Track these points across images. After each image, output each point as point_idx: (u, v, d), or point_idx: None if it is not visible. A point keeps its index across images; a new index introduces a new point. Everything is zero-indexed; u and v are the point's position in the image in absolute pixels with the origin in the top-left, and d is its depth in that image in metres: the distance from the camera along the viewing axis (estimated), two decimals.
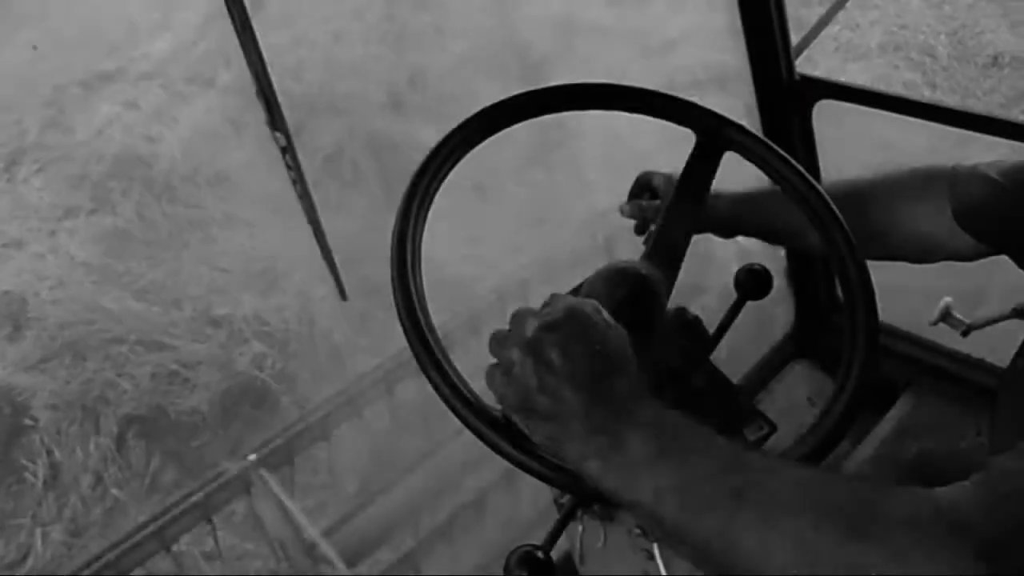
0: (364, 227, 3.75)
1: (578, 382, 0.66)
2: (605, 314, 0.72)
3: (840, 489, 0.58)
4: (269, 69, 1.76)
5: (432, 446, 2.44)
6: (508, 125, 0.94)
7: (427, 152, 0.88)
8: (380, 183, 4.08)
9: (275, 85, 1.88)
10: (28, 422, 3.38)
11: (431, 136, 0.90)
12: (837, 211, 0.94)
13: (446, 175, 0.88)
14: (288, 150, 1.90)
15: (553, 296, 0.74)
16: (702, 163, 0.99)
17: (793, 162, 0.97)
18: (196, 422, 3.27)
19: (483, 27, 4.79)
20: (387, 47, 4.90)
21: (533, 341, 0.68)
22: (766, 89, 1.81)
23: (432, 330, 0.78)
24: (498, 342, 0.72)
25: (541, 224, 3.75)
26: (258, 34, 1.67)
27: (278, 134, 1.85)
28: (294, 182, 2.02)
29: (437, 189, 0.87)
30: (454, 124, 0.91)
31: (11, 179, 4.65)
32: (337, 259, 2.66)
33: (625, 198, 1.20)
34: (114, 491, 3.13)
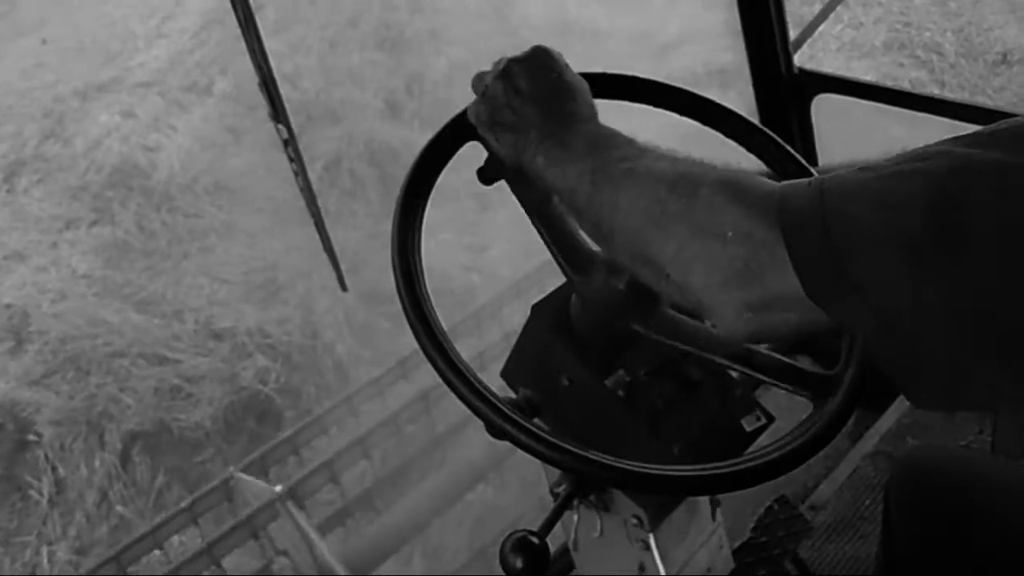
0: (365, 235, 3.74)
1: (537, 101, 0.82)
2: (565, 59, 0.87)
3: (703, 168, 0.70)
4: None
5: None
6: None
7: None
8: (379, 191, 4.07)
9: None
10: (32, 438, 3.38)
11: None
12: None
13: (448, 159, 0.90)
14: (290, 142, 1.91)
15: None
16: None
17: (785, 145, 0.96)
18: (200, 438, 3.26)
19: (479, 31, 4.76)
20: (384, 53, 4.88)
21: (505, 70, 0.84)
22: (764, 83, 1.81)
23: (433, 313, 0.81)
24: (479, 78, 0.87)
25: None
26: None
27: (280, 126, 1.86)
28: (296, 173, 2.02)
29: (439, 171, 0.89)
30: None
31: (11, 190, 4.64)
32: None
33: None
34: (119, 508, 3.13)
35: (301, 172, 2.06)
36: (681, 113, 0.98)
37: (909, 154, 0.61)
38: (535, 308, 0.98)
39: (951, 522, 1.09)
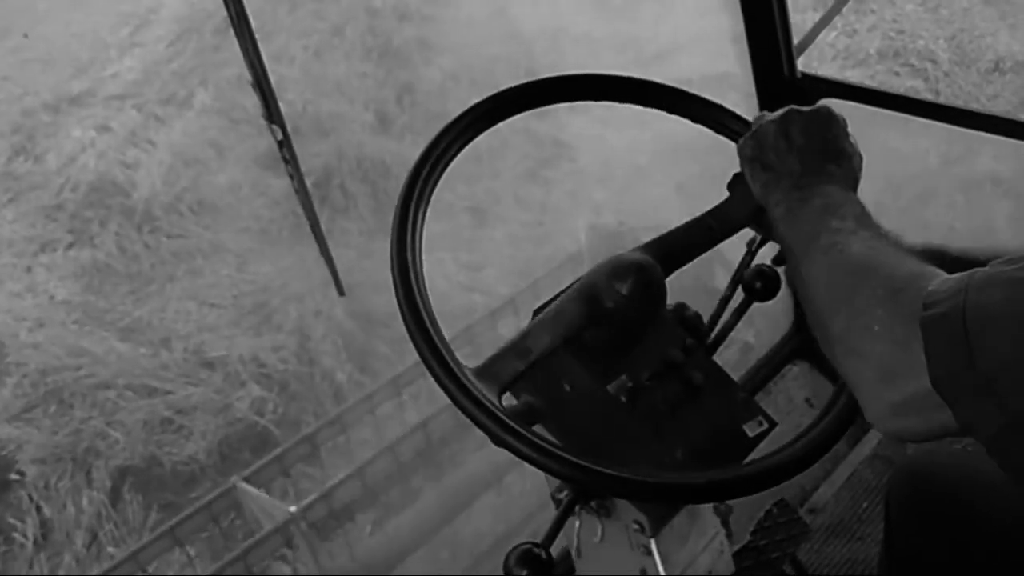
0: (359, 255, 3.63)
1: (802, 154, 0.85)
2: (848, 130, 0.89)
3: (887, 259, 0.72)
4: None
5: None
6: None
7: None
8: (371, 207, 3.95)
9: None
10: (14, 477, 3.24)
11: None
12: None
13: (451, 160, 0.90)
14: (285, 144, 1.89)
15: None
16: None
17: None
18: (194, 472, 3.15)
19: (470, 40, 4.67)
20: (371, 63, 4.74)
21: (785, 116, 0.87)
22: (767, 87, 1.80)
23: (431, 315, 0.80)
24: (759, 117, 0.91)
25: (542, 244, 3.65)
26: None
27: (275, 127, 1.84)
28: (291, 176, 2.01)
29: (441, 174, 0.89)
30: None
31: None
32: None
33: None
34: (111, 549, 3.00)
35: (296, 174, 2.10)
36: (690, 118, 1.02)
37: None
38: (536, 313, 0.97)
39: (951, 525, 1.14)
